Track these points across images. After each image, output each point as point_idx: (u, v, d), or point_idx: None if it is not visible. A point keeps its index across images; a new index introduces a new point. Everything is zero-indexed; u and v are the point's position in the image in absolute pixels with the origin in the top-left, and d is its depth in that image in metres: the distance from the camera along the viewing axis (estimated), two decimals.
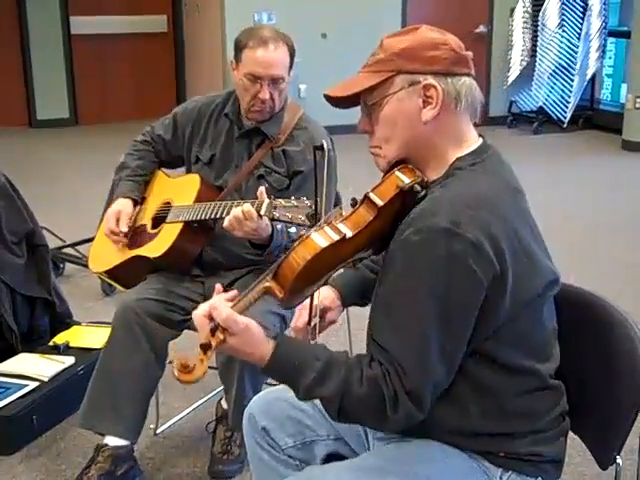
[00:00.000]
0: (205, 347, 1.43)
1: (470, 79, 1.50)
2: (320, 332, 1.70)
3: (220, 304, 1.45)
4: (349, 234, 1.47)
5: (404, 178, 1.49)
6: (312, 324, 1.65)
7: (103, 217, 2.74)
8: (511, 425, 1.51)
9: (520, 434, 1.52)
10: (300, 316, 1.73)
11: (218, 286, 1.53)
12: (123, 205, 2.55)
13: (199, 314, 1.47)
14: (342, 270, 1.79)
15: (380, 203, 1.48)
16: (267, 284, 1.47)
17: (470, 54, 1.52)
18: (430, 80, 1.46)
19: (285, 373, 1.47)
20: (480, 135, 1.56)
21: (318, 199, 1.83)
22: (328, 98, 1.54)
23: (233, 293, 1.51)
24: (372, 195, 1.49)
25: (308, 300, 1.67)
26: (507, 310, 1.43)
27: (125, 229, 2.52)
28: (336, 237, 1.46)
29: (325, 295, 1.77)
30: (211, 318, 1.44)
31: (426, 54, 1.47)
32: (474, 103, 1.51)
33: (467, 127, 1.53)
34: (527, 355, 1.51)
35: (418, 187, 1.48)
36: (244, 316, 1.45)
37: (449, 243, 1.36)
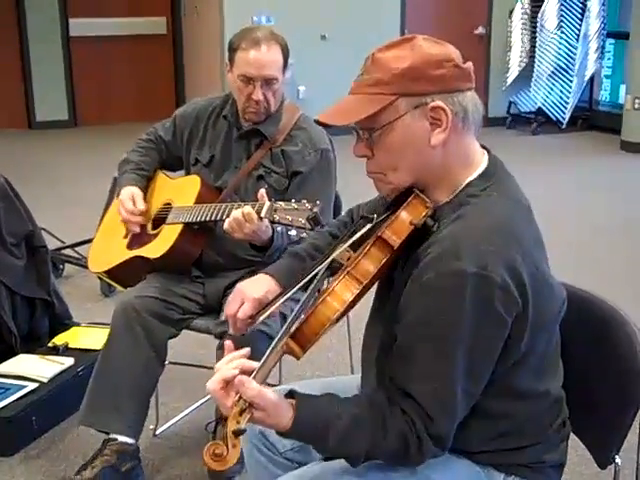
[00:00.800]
0: (238, 433, 1.33)
1: (472, 92, 1.43)
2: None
3: (246, 379, 1.32)
4: (366, 282, 1.42)
5: (416, 213, 1.43)
6: (259, 319, 1.61)
7: (103, 218, 2.75)
8: (517, 442, 1.51)
9: (524, 446, 1.52)
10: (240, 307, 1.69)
11: (228, 343, 1.44)
12: (133, 189, 2.56)
13: (216, 388, 1.35)
14: (284, 260, 1.79)
15: (395, 244, 1.42)
16: (287, 345, 1.41)
17: (470, 65, 1.44)
18: (437, 102, 1.38)
19: (309, 438, 1.43)
20: (483, 147, 1.50)
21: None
22: (319, 123, 1.45)
23: (242, 364, 1.39)
24: (386, 235, 1.42)
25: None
26: (527, 341, 1.41)
27: (142, 207, 2.52)
28: (356, 290, 1.41)
29: (267, 289, 1.72)
30: (225, 387, 1.35)
31: (431, 73, 1.37)
32: (479, 118, 1.45)
33: (474, 145, 1.46)
34: (539, 378, 1.50)
35: (431, 221, 1.42)
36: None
37: (477, 289, 1.31)
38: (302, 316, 1.42)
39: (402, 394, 1.39)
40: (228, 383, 1.35)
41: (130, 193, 2.55)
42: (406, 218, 1.43)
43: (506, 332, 1.37)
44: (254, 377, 1.35)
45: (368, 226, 1.49)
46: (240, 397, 1.33)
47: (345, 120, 1.41)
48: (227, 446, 1.32)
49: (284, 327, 1.42)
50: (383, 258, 1.43)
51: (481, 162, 1.47)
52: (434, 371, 1.36)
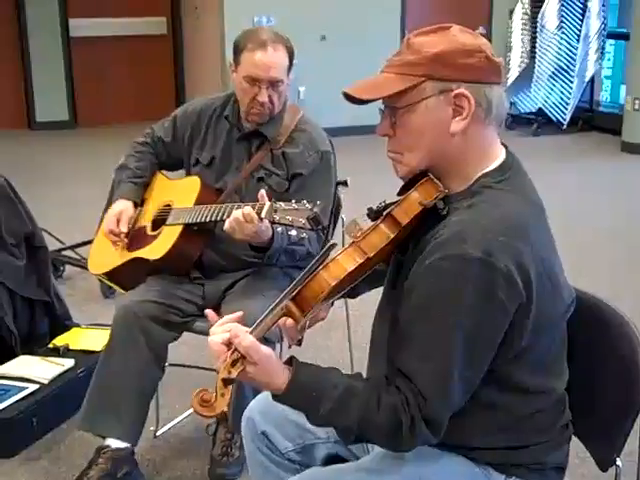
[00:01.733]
0: (227, 381, 1.38)
1: (500, 88, 1.45)
2: (310, 327, 1.69)
3: (240, 331, 1.39)
4: (371, 253, 1.44)
5: (427, 195, 1.44)
6: (302, 324, 1.64)
7: (103, 219, 2.74)
8: (518, 441, 1.51)
9: (525, 446, 1.51)
10: None
11: (210, 312, 1.48)
12: (124, 206, 2.55)
13: (217, 341, 1.41)
14: None
15: (403, 222, 1.43)
16: (286, 307, 1.43)
17: (501, 60, 1.46)
18: (462, 89, 1.39)
19: (303, 404, 1.44)
20: (503, 144, 1.51)
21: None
22: (347, 96, 1.46)
23: (238, 315, 1.46)
24: (395, 213, 1.44)
25: None
26: (529, 336, 1.41)
27: (125, 230, 2.51)
28: (360, 260, 1.43)
29: None
30: (228, 345, 1.39)
31: (460, 61, 1.39)
32: (503, 114, 1.46)
33: (494, 139, 1.47)
34: (542, 375, 1.50)
35: (441, 204, 1.43)
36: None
37: (480, 274, 1.33)
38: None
39: (399, 373, 1.40)
40: (229, 343, 1.39)
41: (118, 212, 2.53)
42: (416, 198, 1.44)
43: (507, 321, 1.37)
44: (250, 333, 1.40)
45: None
46: (235, 350, 1.38)
47: (371, 95, 1.43)
48: (216, 393, 1.37)
49: (286, 290, 1.44)
50: (390, 235, 1.44)
51: (499, 156, 1.48)
52: (431, 352, 1.37)
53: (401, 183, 1.52)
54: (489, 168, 1.45)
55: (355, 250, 1.44)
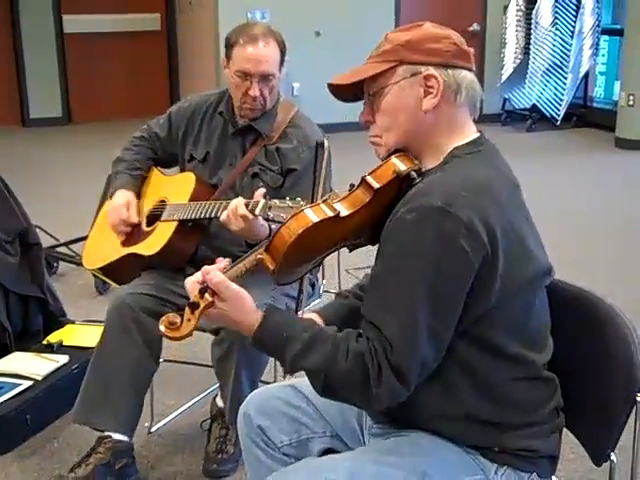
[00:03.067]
0: (193, 306, 1.45)
1: (471, 74, 1.54)
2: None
3: (213, 270, 1.50)
4: (343, 213, 1.48)
5: (401, 164, 1.51)
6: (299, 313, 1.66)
7: (97, 215, 2.74)
8: (503, 414, 1.51)
9: (513, 426, 1.52)
10: None
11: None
12: (128, 196, 2.55)
13: (191, 279, 1.52)
14: (331, 300, 1.80)
15: (376, 185, 1.49)
16: (259, 255, 1.49)
17: (471, 50, 1.56)
18: (431, 70, 1.49)
19: (273, 344, 1.49)
20: (479, 131, 1.57)
21: (315, 189, 1.83)
22: (331, 88, 1.57)
23: (226, 262, 1.55)
24: (369, 178, 1.50)
25: None
26: (497, 293, 1.43)
27: (135, 220, 2.52)
28: (330, 213, 1.47)
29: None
30: (202, 282, 1.48)
31: (428, 46, 1.51)
32: (474, 97, 1.54)
33: (466, 120, 1.55)
34: (520, 343, 1.51)
35: (414, 174, 1.50)
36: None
37: (441, 222, 1.37)
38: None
39: (367, 323, 1.44)
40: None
41: (126, 200, 2.54)
42: (390, 166, 1.51)
43: (472, 272, 1.40)
44: (224, 273, 1.49)
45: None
46: (207, 285, 1.47)
47: (349, 79, 1.55)
48: (182, 318, 1.45)
49: (263, 241, 1.51)
50: (364, 199, 1.49)
51: (471, 135, 1.55)
52: (397, 302, 1.41)
53: None
54: (461, 142, 1.53)
55: (326, 205, 1.49)
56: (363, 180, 1.51)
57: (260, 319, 1.48)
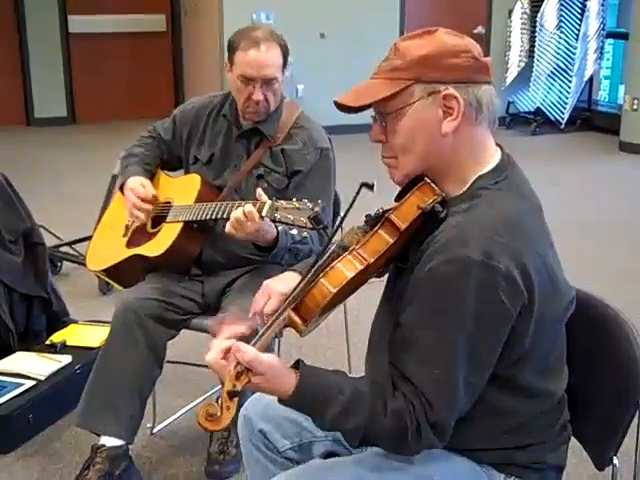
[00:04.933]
0: (232, 394, 1.36)
1: (490, 87, 1.44)
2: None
3: (242, 344, 1.38)
4: (371, 260, 1.43)
5: (424, 198, 1.43)
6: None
7: (101, 215, 2.74)
8: (520, 441, 1.51)
9: (525, 446, 1.52)
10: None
11: (232, 311, 1.48)
12: (141, 179, 2.54)
13: (213, 357, 1.40)
14: (309, 259, 1.75)
15: (402, 227, 1.42)
16: (289, 317, 1.42)
17: (489, 59, 1.46)
18: (451, 90, 1.40)
19: (309, 407, 1.44)
20: (498, 145, 1.51)
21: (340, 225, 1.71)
22: (338, 105, 1.47)
23: (237, 332, 1.45)
24: (393, 218, 1.43)
25: None
26: (531, 336, 1.41)
27: (154, 191, 2.51)
28: (360, 267, 1.42)
29: (294, 285, 1.72)
30: (226, 352, 1.39)
31: (446, 62, 1.40)
32: (494, 112, 1.45)
33: (487, 139, 1.47)
34: (544, 377, 1.50)
35: (439, 207, 1.43)
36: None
37: (480, 276, 1.32)
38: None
39: (404, 378, 1.40)
40: (227, 353, 1.39)
41: (140, 181, 2.53)
42: (414, 202, 1.44)
43: (510, 323, 1.37)
44: (253, 345, 1.39)
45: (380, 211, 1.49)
46: (238, 362, 1.36)
47: (359, 101, 1.44)
48: (221, 407, 1.36)
49: (287, 299, 1.43)
50: (390, 240, 1.44)
51: (494, 157, 1.48)
52: (434, 356, 1.37)
53: None
54: (485, 170, 1.45)
55: (355, 257, 1.43)
56: (387, 219, 1.44)
57: (295, 385, 1.40)
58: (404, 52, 1.42)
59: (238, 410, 2.00)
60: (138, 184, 2.52)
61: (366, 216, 1.49)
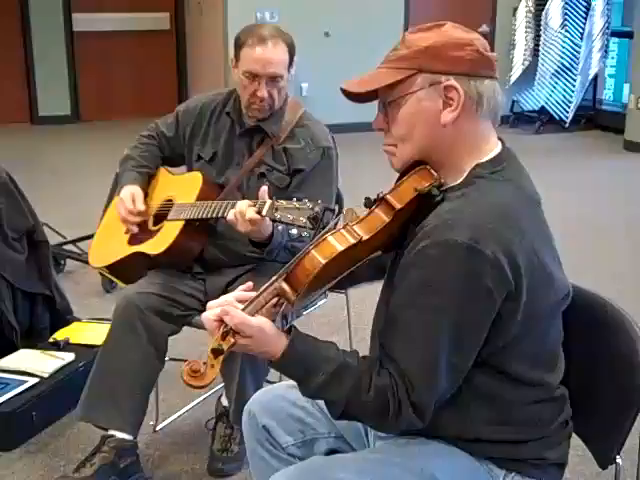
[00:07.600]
0: (217, 352, 1.40)
1: (493, 82, 1.46)
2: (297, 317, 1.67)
3: (231, 308, 1.42)
4: (365, 237, 1.44)
5: (422, 181, 1.46)
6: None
7: (104, 213, 2.74)
8: (517, 433, 1.51)
9: (525, 441, 1.52)
10: None
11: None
12: (133, 190, 2.55)
13: (210, 318, 1.44)
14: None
15: (397, 206, 1.44)
16: (280, 286, 1.44)
17: (494, 55, 1.47)
18: (452, 81, 1.42)
19: (295, 372, 1.46)
20: (499, 139, 1.52)
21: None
22: (344, 92, 1.50)
23: (242, 294, 1.49)
24: (389, 198, 1.46)
25: None
26: (518, 325, 1.42)
27: (142, 207, 2.51)
28: (353, 240, 1.43)
29: None
30: (222, 321, 1.42)
31: (450, 54, 1.42)
32: (496, 107, 1.47)
33: (488, 132, 1.49)
34: (536, 367, 1.50)
35: (436, 191, 1.45)
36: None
37: (466, 259, 1.34)
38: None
39: (388, 357, 1.42)
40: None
41: (131, 193, 2.53)
42: (411, 183, 1.47)
43: (494, 308, 1.38)
44: (243, 309, 1.42)
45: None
46: (226, 324, 1.41)
47: (364, 87, 1.47)
48: (206, 364, 1.40)
49: (281, 270, 1.45)
50: (385, 219, 1.46)
51: (493, 149, 1.49)
52: (417, 337, 1.39)
53: None
54: (483, 160, 1.47)
55: (348, 231, 1.45)
56: (383, 199, 1.46)
57: (284, 348, 1.43)
58: (410, 43, 1.45)
59: (239, 402, 2.00)
60: (129, 196, 2.52)
61: (365, 199, 1.51)
